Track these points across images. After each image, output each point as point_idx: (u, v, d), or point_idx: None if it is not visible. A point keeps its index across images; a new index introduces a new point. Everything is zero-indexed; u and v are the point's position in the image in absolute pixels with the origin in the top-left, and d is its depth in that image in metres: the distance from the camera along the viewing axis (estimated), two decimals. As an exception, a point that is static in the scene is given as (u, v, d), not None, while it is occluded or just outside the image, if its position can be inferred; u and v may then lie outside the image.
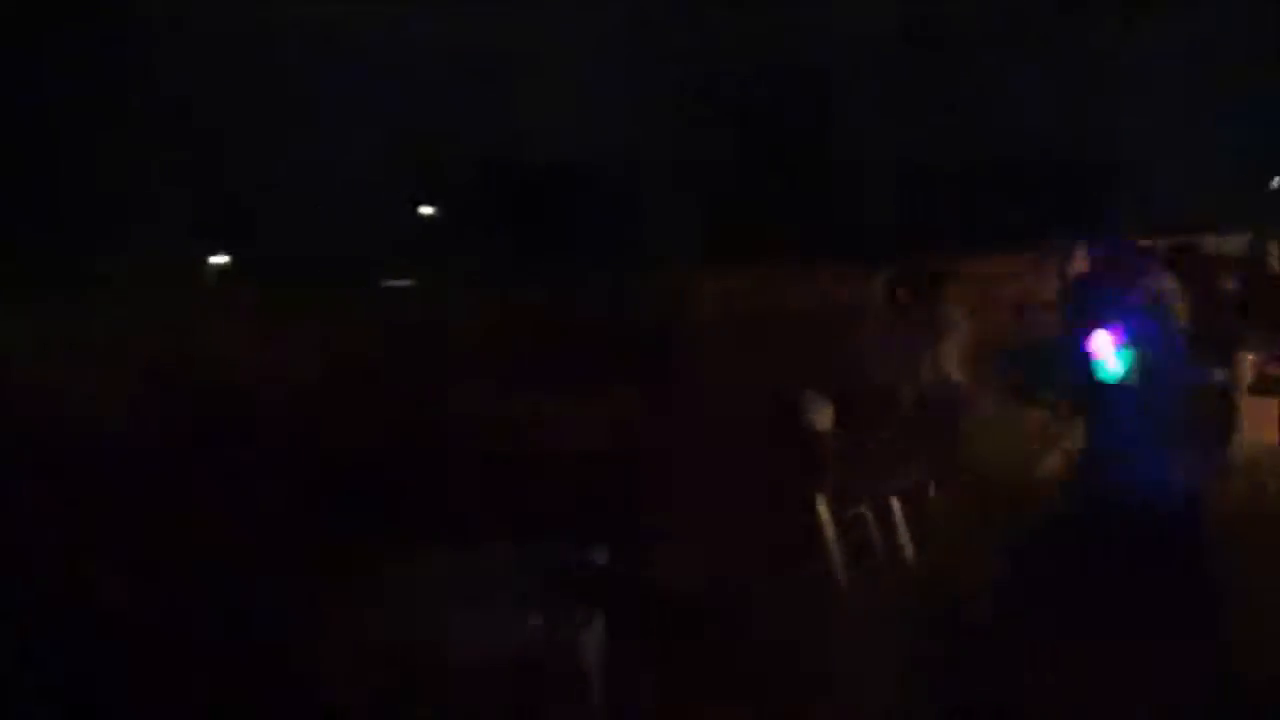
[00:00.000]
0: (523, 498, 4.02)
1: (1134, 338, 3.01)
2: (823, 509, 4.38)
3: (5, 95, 16.28)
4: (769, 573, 4.31)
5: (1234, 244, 7.53)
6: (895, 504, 4.90)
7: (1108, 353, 3.01)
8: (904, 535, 4.88)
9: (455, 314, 9.18)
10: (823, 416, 4.71)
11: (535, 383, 5.48)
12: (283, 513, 4.15)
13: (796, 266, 10.66)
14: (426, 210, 33.24)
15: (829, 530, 4.37)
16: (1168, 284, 3.28)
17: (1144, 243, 6.35)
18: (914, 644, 4.00)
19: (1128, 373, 3.00)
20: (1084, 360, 3.07)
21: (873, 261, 8.21)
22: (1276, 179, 22.49)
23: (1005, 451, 6.64)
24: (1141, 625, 2.87)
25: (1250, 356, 5.94)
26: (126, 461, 4.76)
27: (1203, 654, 2.92)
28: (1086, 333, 3.03)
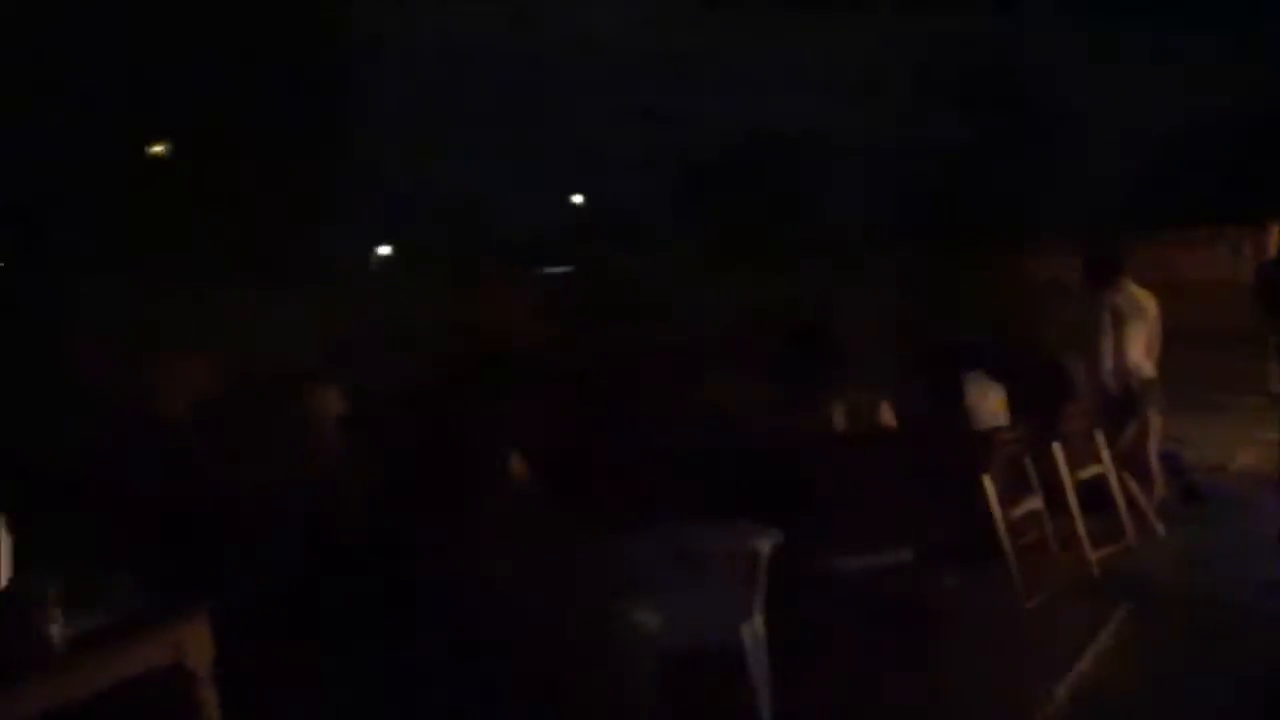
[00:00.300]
0: (702, 483, 4.07)
1: None
2: (993, 501, 4.22)
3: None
4: (942, 566, 4.24)
5: None
6: (1073, 497, 4.68)
7: None
8: (1082, 530, 4.65)
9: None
10: (992, 402, 4.54)
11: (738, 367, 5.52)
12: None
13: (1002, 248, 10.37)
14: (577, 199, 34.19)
15: (1000, 524, 4.20)
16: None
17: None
18: (1089, 639, 3.89)
19: None
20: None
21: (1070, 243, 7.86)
22: None
23: (1199, 443, 6.26)
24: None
25: None
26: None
27: None
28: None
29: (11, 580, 2.31)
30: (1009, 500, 4.41)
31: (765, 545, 3.36)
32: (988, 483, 4.19)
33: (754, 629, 3.36)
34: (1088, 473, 4.88)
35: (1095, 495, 4.87)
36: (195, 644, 2.47)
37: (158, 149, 18.73)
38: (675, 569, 3.39)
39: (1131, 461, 5.10)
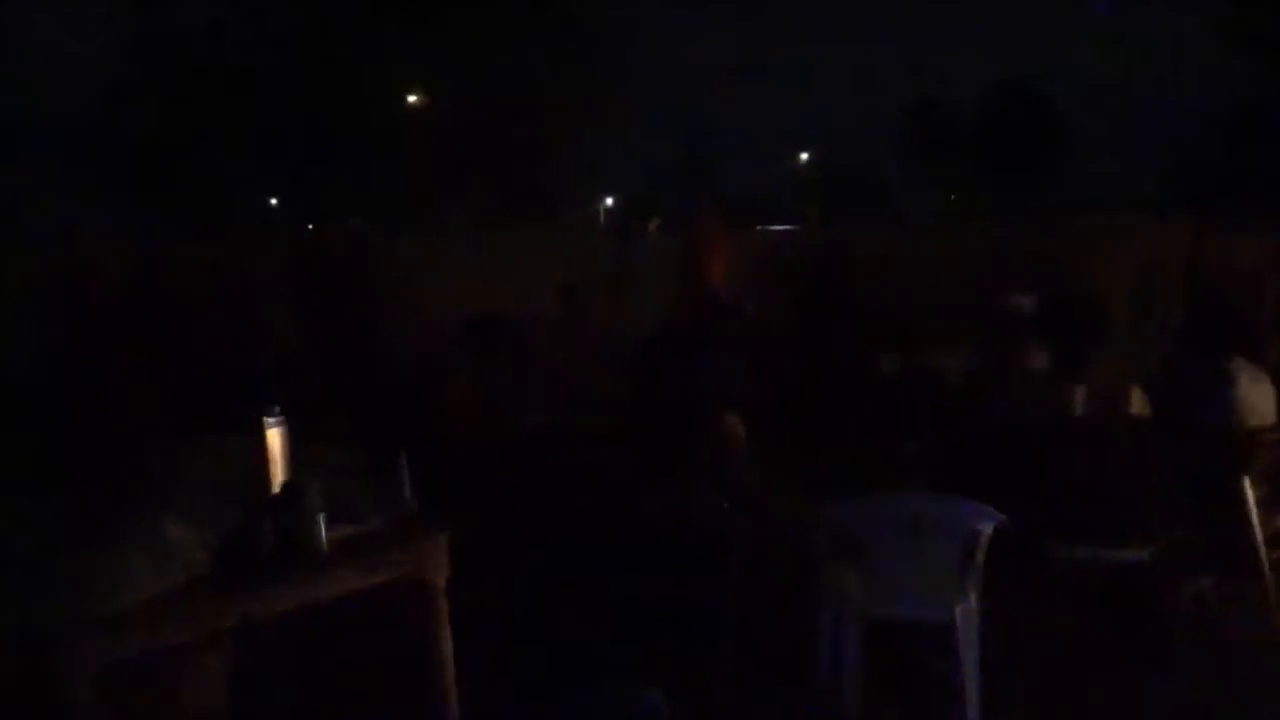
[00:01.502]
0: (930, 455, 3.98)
1: None
2: (1251, 508, 3.83)
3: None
4: (1183, 571, 3.92)
5: None
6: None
7: None
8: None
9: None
10: (1262, 397, 4.08)
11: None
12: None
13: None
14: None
15: (1258, 533, 3.81)
16: None
17: None
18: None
19: None
20: None
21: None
22: None
23: None
24: None
25: None
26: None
27: None
28: None
29: (286, 484, 2.56)
30: (1271, 507, 3.99)
31: (987, 525, 3.24)
32: (1248, 486, 3.80)
33: (968, 609, 3.27)
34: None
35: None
36: (434, 559, 2.69)
37: (413, 99, 20.11)
38: (891, 538, 3.33)
39: None
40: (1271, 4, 24.55)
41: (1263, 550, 3.85)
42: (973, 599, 3.30)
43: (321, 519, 2.47)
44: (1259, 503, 3.86)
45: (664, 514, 3.82)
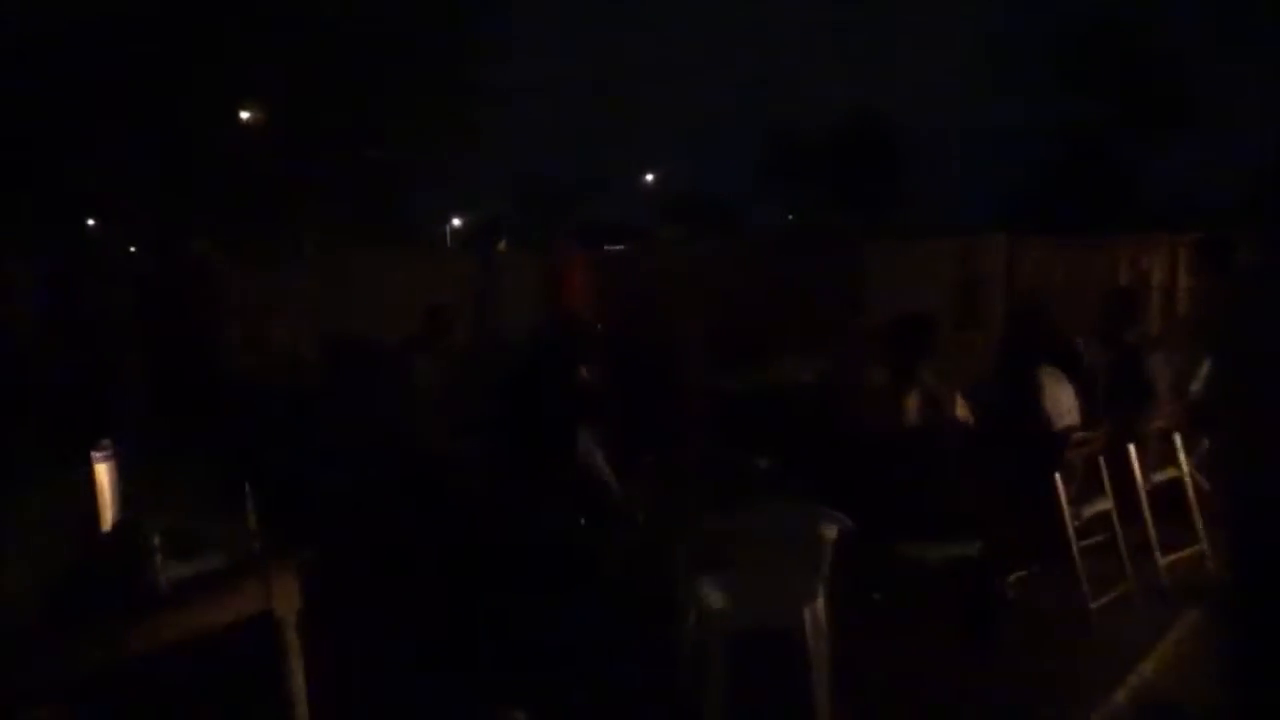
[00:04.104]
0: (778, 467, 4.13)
1: None
2: (1063, 501, 4.17)
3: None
4: (1009, 562, 4.23)
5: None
6: (1146, 501, 4.60)
7: None
8: (1153, 534, 4.58)
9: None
10: (1066, 399, 4.47)
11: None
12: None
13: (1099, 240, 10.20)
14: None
15: (1069, 524, 4.16)
16: None
17: None
18: (1152, 645, 3.86)
19: None
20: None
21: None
22: None
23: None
24: None
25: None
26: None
27: None
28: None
29: (119, 522, 2.45)
30: (1080, 500, 4.36)
31: (832, 530, 3.40)
32: (1058, 481, 4.15)
33: (815, 611, 3.42)
34: (1163, 476, 4.79)
35: (1171, 499, 4.79)
36: (283, 593, 2.62)
37: (247, 114, 19.20)
38: (747, 549, 3.45)
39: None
40: (1097, 43, 27.11)
41: (1074, 541, 4.20)
42: (821, 602, 3.45)
43: (158, 557, 2.37)
44: (1069, 497, 4.22)
45: (529, 534, 3.84)
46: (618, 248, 15.46)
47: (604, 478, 4.08)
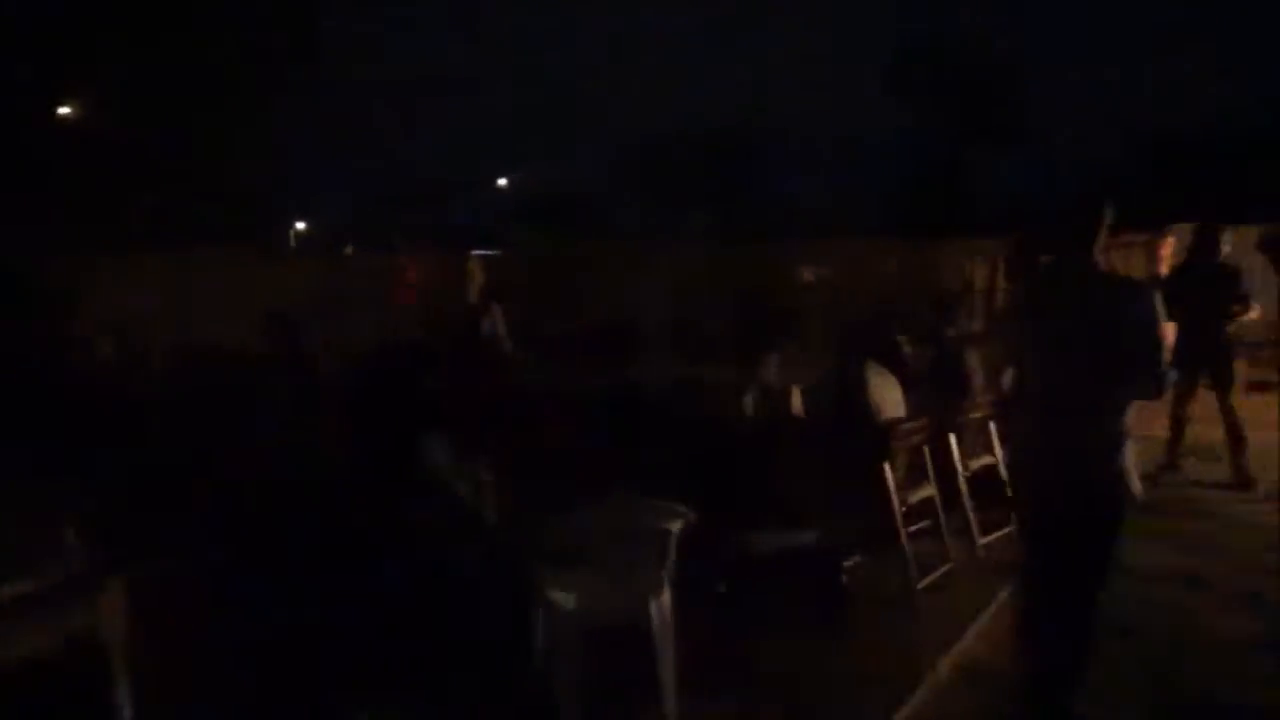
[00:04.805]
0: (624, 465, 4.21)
1: None
2: (891, 489, 4.45)
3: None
4: (844, 548, 4.48)
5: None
6: (965, 486, 4.97)
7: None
8: (972, 516, 4.94)
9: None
10: (891, 394, 4.77)
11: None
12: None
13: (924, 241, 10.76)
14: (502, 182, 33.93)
15: (897, 510, 4.44)
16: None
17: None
18: (972, 618, 4.17)
19: None
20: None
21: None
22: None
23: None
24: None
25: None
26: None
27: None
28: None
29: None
30: (906, 488, 4.67)
31: (675, 524, 3.52)
32: (887, 471, 4.42)
33: (661, 604, 3.53)
34: (980, 463, 5.18)
35: (988, 483, 5.17)
36: (110, 615, 2.52)
37: (65, 110, 17.94)
38: (597, 545, 3.53)
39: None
40: (938, 55, 28.77)
41: (902, 527, 4.49)
42: (666, 596, 3.57)
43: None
44: (897, 485, 4.51)
45: (376, 540, 3.80)
46: (477, 251, 15.38)
47: (450, 483, 4.08)
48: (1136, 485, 3.08)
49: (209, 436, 4.63)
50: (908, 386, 4.96)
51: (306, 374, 5.78)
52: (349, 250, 17.12)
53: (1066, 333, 2.99)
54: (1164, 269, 6.05)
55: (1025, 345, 3.18)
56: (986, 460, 5.22)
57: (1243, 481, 6.25)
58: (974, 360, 5.46)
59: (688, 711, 3.46)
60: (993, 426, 5.25)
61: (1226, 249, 6.38)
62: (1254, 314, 6.20)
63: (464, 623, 3.75)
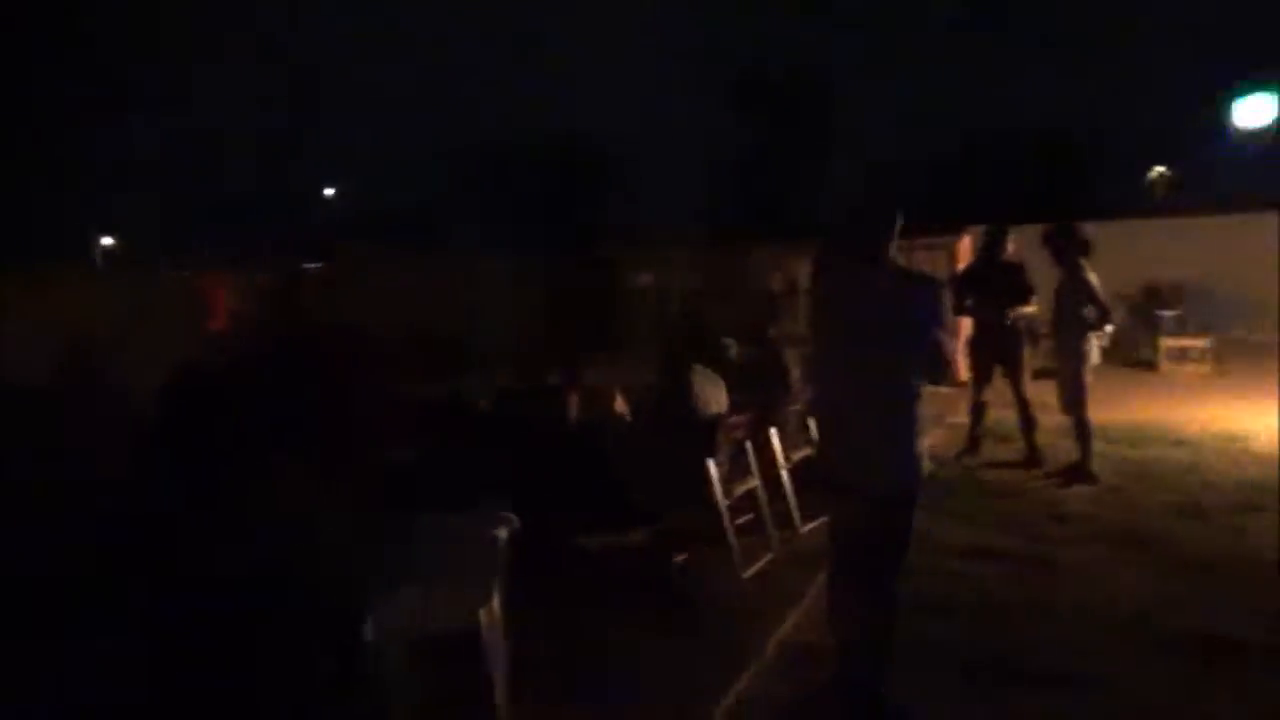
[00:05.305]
0: (450, 473, 4.17)
1: None
2: (715, 484, 4.60)
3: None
4: (674, 544, 4.60)
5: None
6: (787, 477, 5.20)
7: None
8: (794, 506, 5.19)
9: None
10: (715, 392, 4.95)
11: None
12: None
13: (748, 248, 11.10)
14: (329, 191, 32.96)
15: (722, 504, 4.60)
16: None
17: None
18: (795, 601, 4.38)
19: None
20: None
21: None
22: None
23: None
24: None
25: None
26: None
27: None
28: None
29: None
30: (731, 481, 4.85)
31: (503, 531, 3.53)
32: (711, 467, 4.58)
33: (490, 612, 3.52)
34: (800, 454, 5.44)
35: (807, 474, 5.43)
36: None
37: None
38: (419, 559, 3.48)
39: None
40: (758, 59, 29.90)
41: (728, 521, 4.66)
42: (495, 603, 3.57)
43: None
44: (721, 479, 4.67)
45: (195, 567, 3.61)
46: (305, 264, 14.86)
47: (263, 505, 3.93)
48: (927, 465, 3.33)
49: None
50: (733, 385, 5.16)
51: (109, 401, 5.44)
52: (160, 267, 16.15)
53: (859, 324, 3.21)
54: (961, 267, 6.55)
55: (823, 337, 3.40)
56: (806, 452, 5.48)
57: (1034, 460, 6.82)
58: (793, 357, 5.73)
59: (522, 716, 3.47)
60: (810, 420, 5.52)
61: (1012, 248, 6.96)
62: (1031, 308, 6.78)
63: (283, 648, 3.62)
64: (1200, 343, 11.27)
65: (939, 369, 3.23)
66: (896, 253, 3.31)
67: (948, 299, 3.27)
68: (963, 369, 7.09)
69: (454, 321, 8.85)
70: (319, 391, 5.57)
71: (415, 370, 6.50)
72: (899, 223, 3.30)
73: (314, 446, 4.51)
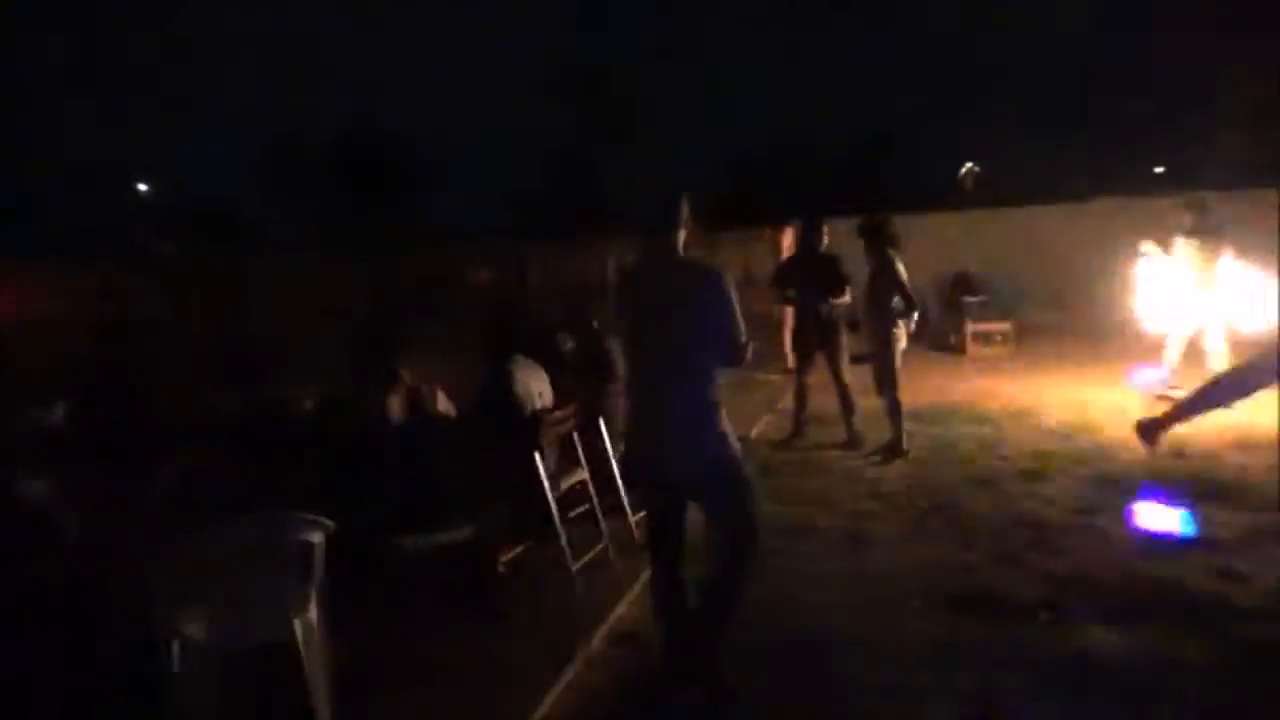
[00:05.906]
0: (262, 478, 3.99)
1: None
2: (542, 477, 4.60)
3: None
4: (502, 539, 4.56)
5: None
6: (616, 468, 5.25)
7: None
8: (624, 496, 5.24)
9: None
10: (537, 385, 4.94)
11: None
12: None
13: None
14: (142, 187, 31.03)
15: (550, 497, 4.60)
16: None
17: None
18: (625, 591, 4.44)
19: None
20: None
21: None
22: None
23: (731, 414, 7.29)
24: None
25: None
26: None
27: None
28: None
29: None
30: (560, 474, 4.86)
31: (317, 536, 3.40)
32: (538, 460, 4.57)
33: (306, 620, 3.39)
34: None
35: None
36: None
37: None
38: (226, 569, 3.31)
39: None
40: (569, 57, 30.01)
41: (556, 515, 4.65)
42: (312, 610, 3.44)
43: None
44: (549, 472, 4.67)
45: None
46: (113, 261, 13.92)
47: (52, 521, 3.66)
48: (736, 446, 3.44)
49: None
50: (561, 377, 5.16)
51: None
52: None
53: (652, 310, 3.34)
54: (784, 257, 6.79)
55: (622, 325, 3.51)
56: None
57: (853, 442, 7.17)
58: (617, 347, 5.78)
59: (344, 721, 3.37)
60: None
61: (827, 240, 7.28)
62: (847, 297, 7.12)
63: (81, 672, 3.38)
64: (1002, 326, 12.13)
65: (729, 352, 3.35)
66: (692, 245, 3.45)
67: (732, 287, 3.38)
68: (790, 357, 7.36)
69: (277, 323, 8.47)
70: (113, 398, 5.22)
71: (234, 374, 6.18)
72: (684, 216, 3.43)
73: (104, 458, 4.23)
